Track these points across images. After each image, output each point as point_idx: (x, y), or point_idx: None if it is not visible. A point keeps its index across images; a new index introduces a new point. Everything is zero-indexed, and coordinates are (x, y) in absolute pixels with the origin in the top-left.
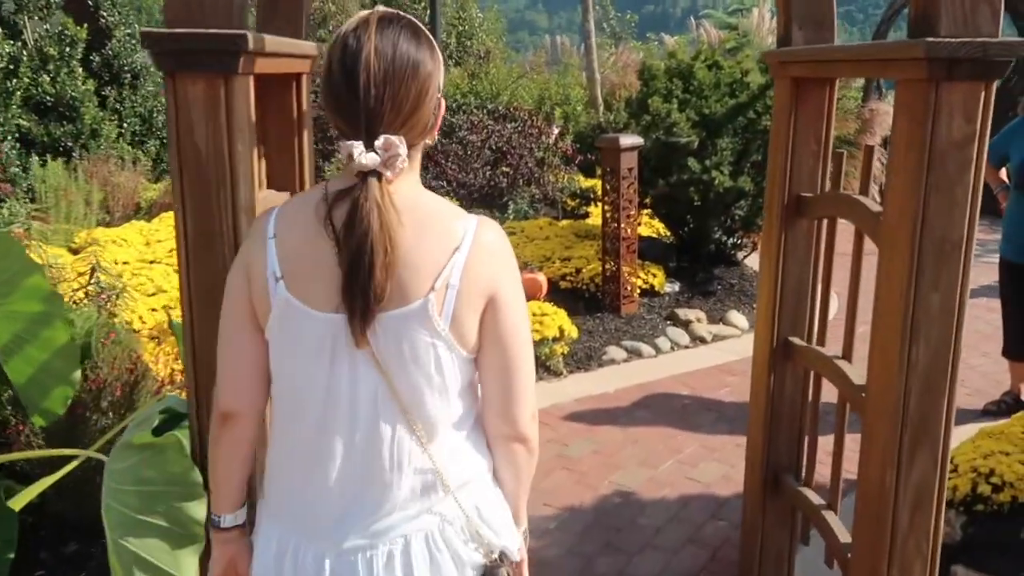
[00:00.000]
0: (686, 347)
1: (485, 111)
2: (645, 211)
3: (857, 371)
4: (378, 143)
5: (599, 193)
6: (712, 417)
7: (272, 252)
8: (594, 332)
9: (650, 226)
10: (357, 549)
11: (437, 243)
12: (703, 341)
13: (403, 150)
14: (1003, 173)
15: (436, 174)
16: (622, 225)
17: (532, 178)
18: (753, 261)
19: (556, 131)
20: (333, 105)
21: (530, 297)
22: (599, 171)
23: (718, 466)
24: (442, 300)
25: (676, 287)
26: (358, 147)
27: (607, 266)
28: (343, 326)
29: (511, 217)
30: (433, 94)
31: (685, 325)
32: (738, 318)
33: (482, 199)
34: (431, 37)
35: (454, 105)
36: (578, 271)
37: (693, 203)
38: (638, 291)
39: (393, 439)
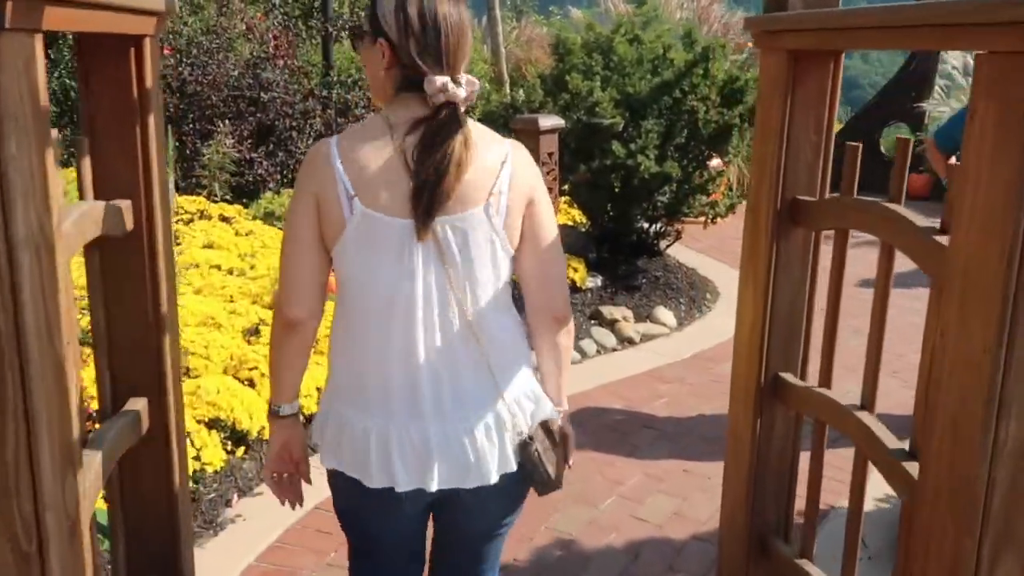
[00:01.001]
0: (614, 350)
1: None
2: (563, 198)
3: (881, 426)
4: (462, 79)
5: None
6: (651, 436)
7: (342, 174)
8: None
9: (566, 213)
10: (456, 425)
11: (489, 161)
12: (631, 342)
13: (479, 86)
14: (954, 162)
15: None
16: None
17: None
18: (676, 251)
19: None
20: (419, 49)
21: None
22: None
23: (667, 500)
24: (497, 204)
25: (598, 281)
26: (448, 82)
27: None
28: (414, 229)
29: None
30: None
31: (611, 324)
32: (665, 315)
33: None
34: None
35: (349, 81)
36: None
37: (614, 189)
38: None
39: (468, 330)
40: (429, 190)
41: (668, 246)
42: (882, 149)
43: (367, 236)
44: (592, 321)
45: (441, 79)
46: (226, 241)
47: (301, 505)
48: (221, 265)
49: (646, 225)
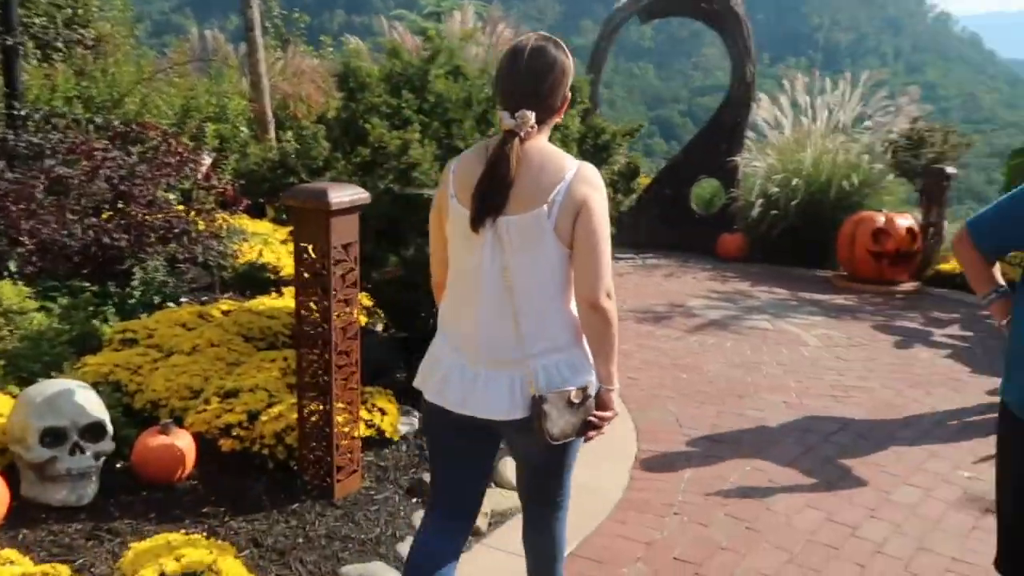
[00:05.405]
0: None
1: (94, 126)
2: (362, 294)
3: None
4: (517, 114)
5: (290, 269)
6: None
7: (451, 181)
8: (286, 552)
9: (372, 315)
10: (495, 370)
11: (551, 176)
12: (477, 532)
13: (532, 119)
14: (997, 270)
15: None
16: (334, 338)
17: (172, 234)
18: None
19: (208, 160)
20: (496, 87)
21: (164, 479)
22: (290, 236)
23: None
24: (551, 208)
25: (415, 423)
26: (506, 115)
27: (309, 408)
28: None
29: (135, 300)
30: (562, 90)
31: None
32: None
33: (81, 269)
34: (564, 47)
35: (51, 115)
36: (251, 418)
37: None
38: (359, 444)
39: (510, 302)
40: (482, 199)
41: None
42: (692, 204)
43: (456, 226)
44: (413, 500)
45: (502, 113)
46: None
47: None
48: None
49: None
